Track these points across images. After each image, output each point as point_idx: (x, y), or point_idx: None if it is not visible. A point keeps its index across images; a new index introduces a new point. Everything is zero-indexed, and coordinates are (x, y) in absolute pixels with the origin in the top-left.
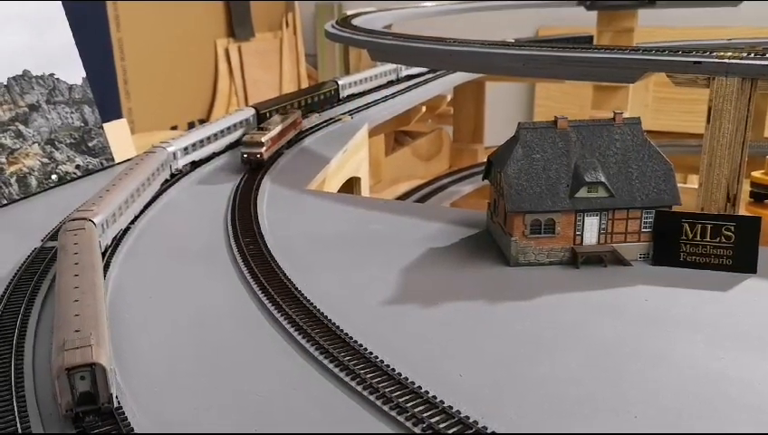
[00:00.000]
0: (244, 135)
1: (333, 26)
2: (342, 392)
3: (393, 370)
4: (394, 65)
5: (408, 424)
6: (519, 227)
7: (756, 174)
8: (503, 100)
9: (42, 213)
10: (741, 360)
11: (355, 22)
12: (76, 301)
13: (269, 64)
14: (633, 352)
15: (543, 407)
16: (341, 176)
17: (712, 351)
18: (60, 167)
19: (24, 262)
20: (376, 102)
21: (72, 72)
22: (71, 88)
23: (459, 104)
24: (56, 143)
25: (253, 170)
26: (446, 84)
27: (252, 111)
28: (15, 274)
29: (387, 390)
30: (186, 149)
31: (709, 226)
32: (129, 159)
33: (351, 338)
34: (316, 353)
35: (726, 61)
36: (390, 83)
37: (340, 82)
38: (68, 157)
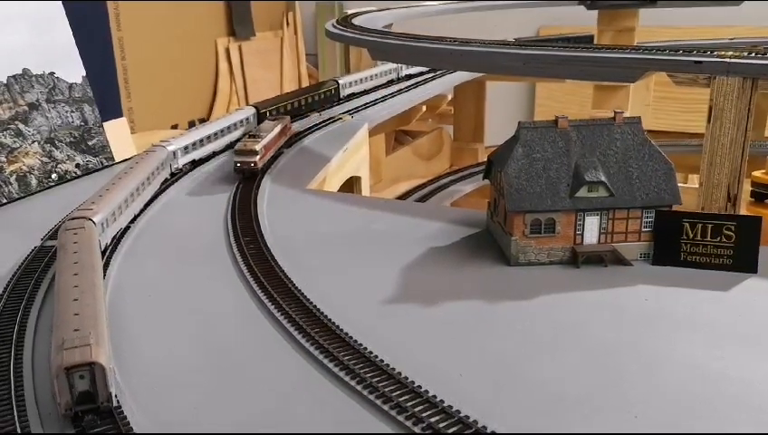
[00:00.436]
0: (237, 141)
1: (334, 26)
2: (342, 392)
3: (393, 369)
4: (394, 65)
5: (408, 423)
6: (519, 227)
7: (757, 174)
8: (503, 99)
9: (41, 212)
10: (741, 360)
11: (356, 21)
12: (75, 300)
13: (270, 64)
14: (633, 351)
15: (543, 407)
16: (342, 175)
17: (712, 351)
18: (60, 166)
19: (24, 261)
20: (375, 102)
21: (72, 70)
22: (71, 87)
23: (460, 104)
24: (56, 142)
25: (247, 179)
26: (446, 84)
27: (252, 111)
28: (15, 273)
29: (387, 389)
30: (186, 147)
31: (710, 225)
32: (128, 158)
33: (351, 337)
34: (316, 353)
35: (727, 60)
36: (391, 83)
37: (340, 82)
38: (68, 156)
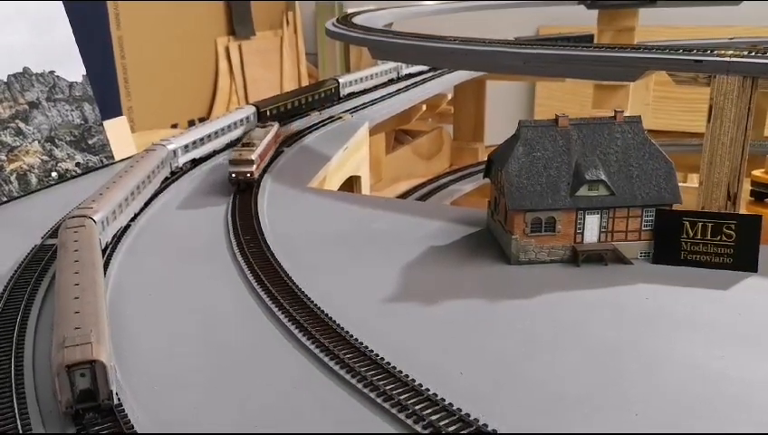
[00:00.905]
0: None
1: (334, 24)
2: (343, 390)
3: (394, 367)
4: (394, 64)
5: (409, 422)
6: (520, 226)
7: (757, 173)
8: (503, 99)
9: (41, 210)
10: (741, 359)
11: (356, 20)
12: (76, 298)
13: (269, 63)
14: (633, 350)
15: (543, 405)
16: (342, 174)
17: (712, 350)
18: (60, 164)
19: (25, 259)
20: (375, 102)
21: (73, 69)
22: (71, 85)
23: (460, 103)
24: (56, 141)
25: (242, 191)
26: (446, 83)
27: (252, 109)
28: (16, 271)
29: (387, 387)
30: (186, 146)
31: (710, 224)
32: (129, 157)
33: (352, 336)
34: (317, 351)
35: (727, 59)
36: (391, 82)
37: (340, 81)
38: (68, 154)
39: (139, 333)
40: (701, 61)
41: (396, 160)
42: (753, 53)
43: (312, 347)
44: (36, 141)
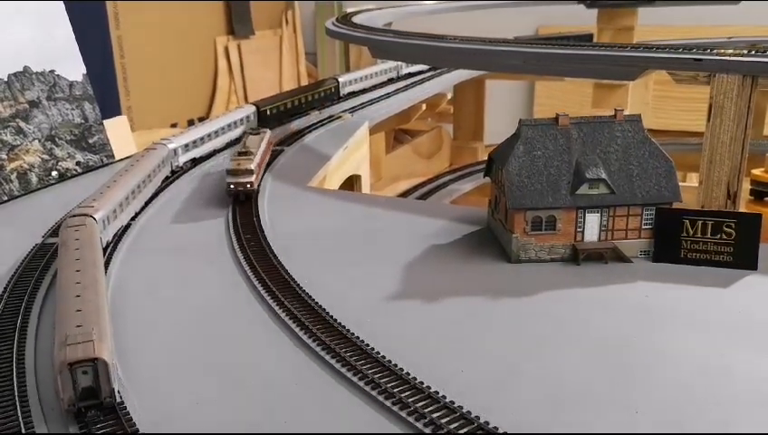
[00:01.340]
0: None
1: (334, 24)
2: (343, 387)
3: (395, 365)
4: (394, 63)
5: (411, 419)
6: (520, 224)
7: (756, 172)
8: (503, 98)
9: (42, 209)
10: (742, 356)
11: (355, 19)
12: (78, 296)
13: (269, 62)
14: (634, 348)
15: (544, 402)
16: (342, 173)
17: (713, 347)
18: (60, 163)
19: (25, 258)
20: (373, 101)
21: (73, 68)
22: (71, 84)
23: (459, 102)
24: (56, 140)
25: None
26: (446, 82)
27: (252, 109)
28: (17, 270)
29: (388, 385)
30: (186, 145)
31: (710, 223)
32: (129, 156)
33: (353, 333)
34: (318, 349)
35: (727, 58)
36: (390, 81)
37: (340, 80)
38: (68, 153)
39: (140, 330)
40: (701, 60)
41: (395, 160)
42: (753, 52)
43: (313, 345)
44: (37, 140)
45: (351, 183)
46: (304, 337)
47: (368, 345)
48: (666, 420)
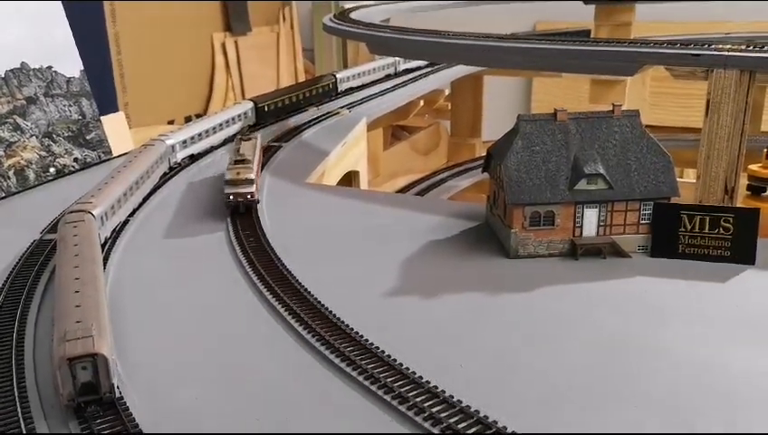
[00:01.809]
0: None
1: (331, 20)
2: (343, 382)
3: (395, 360)
4: (392, 59)
5: (410, 414)
6: (519, 219)
7: (753, 167)
8: (500, 94)
9: (40, 206)
10: (740, 351)
11: (353, 15)
12: (77, 292)
13: (266, 59)
14: (632, 343)
15: (543, 396)
16: (340, 169)
17: (711, 341)
18: (58, 160)
19: (24, 254)
20: (372, 97)
21: (70, 65)
22: (68, 81)
23: (457, 99)
24: (54, 136)
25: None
26: (443, 78)
27: (250, 105)
28: (15, 265)
29: (388, 380)
30: (184, 142)
31: (708, 217)
32: (126, 153)
33: (352, 329)
34: (317, 344)
35: (725, 53)
36: (388, 77)
37: (338, 76)
38: (66, 150)
39: (139, 326)
40: (699, 55)
41: (393, 156)
42: (751, 48)
43: (312, 340)
44: (34, 137)
45: (350, 179)
46: (303, 331)
47: (367, 340)
48: (664, 414)
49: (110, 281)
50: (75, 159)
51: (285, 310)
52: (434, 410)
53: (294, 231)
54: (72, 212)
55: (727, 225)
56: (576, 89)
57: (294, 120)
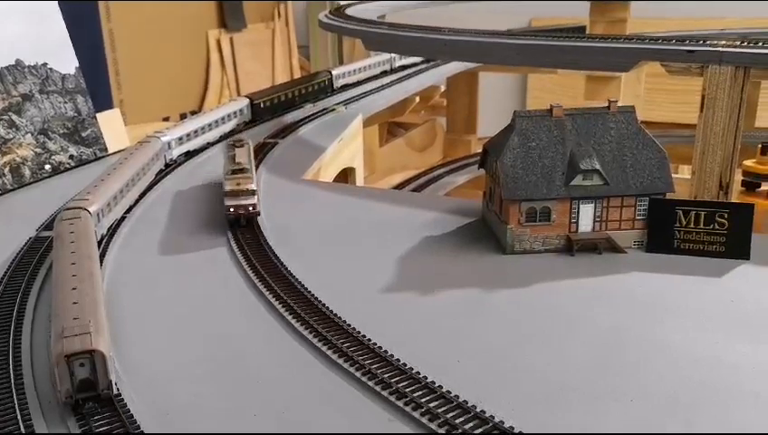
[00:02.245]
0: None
1: (327, 16)
2: (340, 378)
3: (392, 356)
4: (387, 55)
5: (408, 409)
6: (515, 215)
7: (748, 163)
8: (496, 91)
9: (36, 203)
10: (735, 346)
11: (348, 11)
12: (74, 289)
13: (261, 55)
14: (628, 338)
15: (539, 391)
16: (336, 166)
17: (706, 336)
18: (53, 157)
19: (20, 251)
20: (368, 93)
21: (66, 61)
22: (64, 78)
23: (452, 95)
24: (49, 133)
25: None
26: (439, 75)
27: (246, 101)
28: (11, 263)
29: (386, 376)
30: (180, 139)
31: (703, 213)
32: (122, 150)
33: (349, 325)
34: (315, 341)
35: (720, 49)
36: (384, 74)
37: (333, 73)
38: (61, 147)
39: (136, 323)
40: (694, 51)
41: (389, 153)
42: (746, 43)
43: (309, 336)
44: (29, 134)
45: (345, 176)
46: (300, 328)
47: (364, 336)
48: (660, 409)
49: (107, 278)
50: (71, 157)
51: (281, 305)
52: (431, 404)
53: (291, 227)
54: (68, 209)
55: (722, 220)
56: (571, 85)
57: (290, 117)
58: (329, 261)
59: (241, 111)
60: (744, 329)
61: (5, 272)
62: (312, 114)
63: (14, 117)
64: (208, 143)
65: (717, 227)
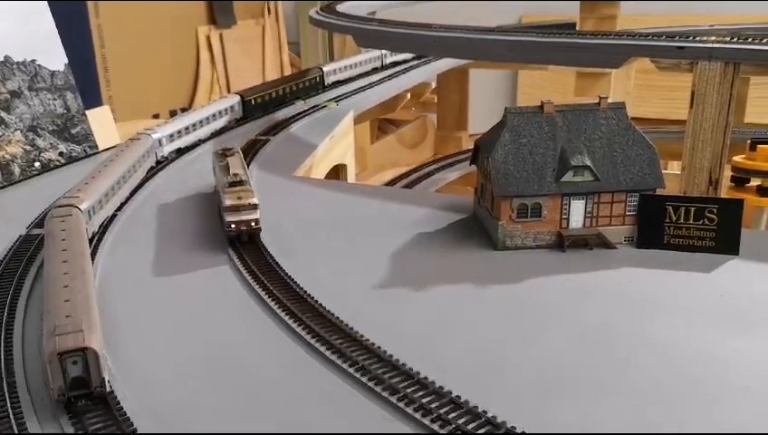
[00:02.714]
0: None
1: (317, 12)
2: (334, 375)
3: (385, 352)
4: (378, 52)
5: (401, 404)
6: (506, 211)
7: (737, 158)
8: (486, 87)
9: (26, 200)
10: (725, 340)
11: (339, 8)
12: (66, 287)
13: (251, 52)
14: (618, 333)
15: (532, 387)
16: (328, 162)
17: (696, 331)
18: (43, 154)
19: (10, 249)
20: (359, 90)
21: (55, 58)
22: (53, 74)
23: (443, 92)
24: (39, 130)
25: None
26: (429, 71)
27: (237, 98)
28: (1, 261)
29: (379, 371)
30: (171, 136)
31: (692, 208)
32: (112, 147)
33: (342, 321)
34: (308, 337)
35: (709, 45)
36: (375, 70)
37: (324, 69)
38: (51, 144)
39: (129, 320)
40: (683, 47)
41: (380, 150)
42: (735, 39)
43: (302, 333)
44: (18, 131)
45: (337, 172)
46: (293, 325)
47: (357, 332)
48: (650, 404)
49: (99, 275)
50: (60, 154)
51: (275, 302)
52: (424, 400)
53: (283, 224)
54: (59, 207)
55: (712, 216)
56: (562, 82)
57: (281, 114)
58: (321, 257)
59: (232, 107)
60: (733, 324)
61: None
62: (304, 111)
63: (3, 114)
64: (200, 140)
65: (707, 222)
